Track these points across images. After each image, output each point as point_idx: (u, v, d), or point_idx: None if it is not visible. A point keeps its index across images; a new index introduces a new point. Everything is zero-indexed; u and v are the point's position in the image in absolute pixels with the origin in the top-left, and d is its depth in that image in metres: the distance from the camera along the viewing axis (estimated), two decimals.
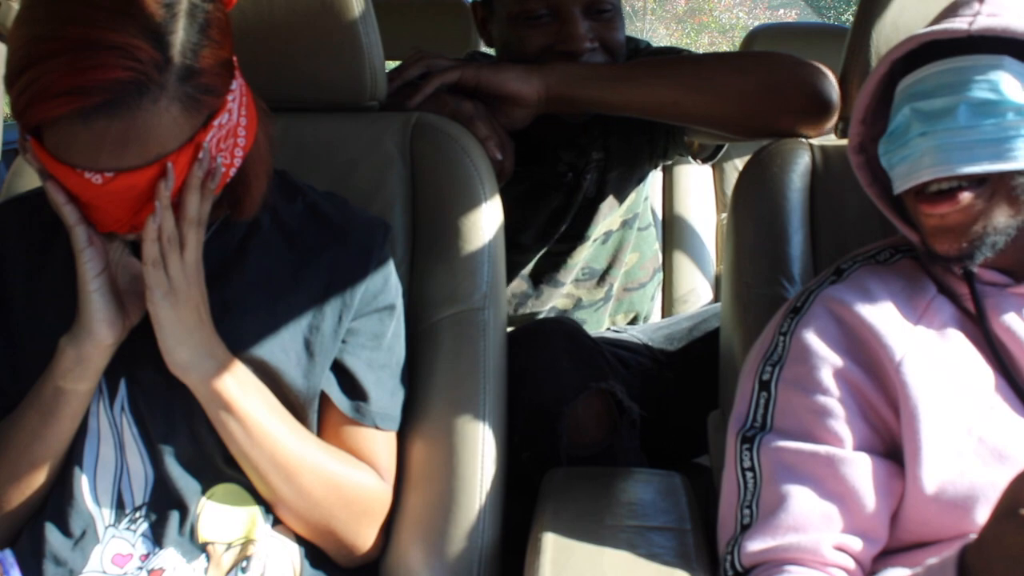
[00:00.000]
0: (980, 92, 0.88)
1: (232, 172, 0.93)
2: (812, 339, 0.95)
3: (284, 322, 1.00)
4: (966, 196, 0.89)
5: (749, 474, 0.93)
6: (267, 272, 1.01)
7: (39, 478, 0.96)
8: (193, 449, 0.98)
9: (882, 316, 0.95)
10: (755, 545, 0.89)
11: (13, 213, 1.04)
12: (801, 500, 0.89)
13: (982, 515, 0.86)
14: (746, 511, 0.92)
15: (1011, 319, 0.93)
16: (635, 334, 1.61)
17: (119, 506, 0.98)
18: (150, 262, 0.90)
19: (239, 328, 0.97)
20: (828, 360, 0.94)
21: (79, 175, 0.83)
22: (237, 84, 0.91)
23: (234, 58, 0.92)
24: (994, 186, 0.89)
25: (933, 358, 0.92)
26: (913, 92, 0.92)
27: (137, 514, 0.98)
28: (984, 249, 0.91)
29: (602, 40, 1.39)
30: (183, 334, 0.92)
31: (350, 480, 1.02)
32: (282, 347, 0.99)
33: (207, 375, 0.93)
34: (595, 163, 1.54)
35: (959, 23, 0.90)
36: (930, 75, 0.91)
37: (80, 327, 0.93)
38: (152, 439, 0.98)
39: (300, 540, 1.02)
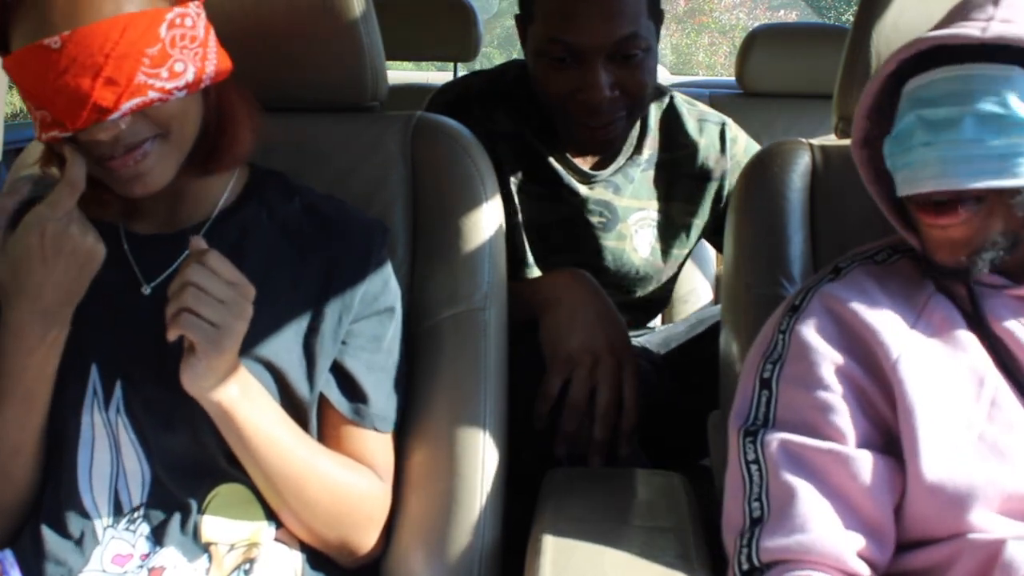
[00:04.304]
0: (987, 105, 0.86)
1: (204, 79, 0.92)
2: (811, 336, 0.95)
3: (285, 322, 1.00)
4: (965, 210, 0.88)
5: (754, 467, 0.93)
6: (266, 271, 1.00)
7: (25, 467, 0.96)
8: (194, 450, 0.98)
9: (879, 315, 0.95)
10: (774, 541, 0.88)
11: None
12: (813, 495, 0.89)
13: (981, 512, 0.86)
14: (755, 504, 0.91)
15: (1008, 320, 0.93)
16: (633, 337, 1.61)
17: (116, 507, 0.98)
18: (177, 321, 0.88)
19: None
20: (827, 357, 0.94)
21: (39, 47, 0.84)
22: (199, 5, 0.93)
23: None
24: (992, 202, 0.88)
25: (931, 356, 0.92)
26: (919, 97, 0.90)
27: (135, 514, 0.98)
28: (981, 264, 0.91)
29: (623, 87, 1.33)
30: (220, 370, 0.91)
31: (355, 487, 1.02)
32: (286, 348, 0.99)
33: (223, 394, 0.92)
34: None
35: (971, 29, 0.88)
36: (937, 81, 0.89)
37: (61, 308, 0.92)
38: (149, 440, 0.98)
39: (302, 547, 1.02)
